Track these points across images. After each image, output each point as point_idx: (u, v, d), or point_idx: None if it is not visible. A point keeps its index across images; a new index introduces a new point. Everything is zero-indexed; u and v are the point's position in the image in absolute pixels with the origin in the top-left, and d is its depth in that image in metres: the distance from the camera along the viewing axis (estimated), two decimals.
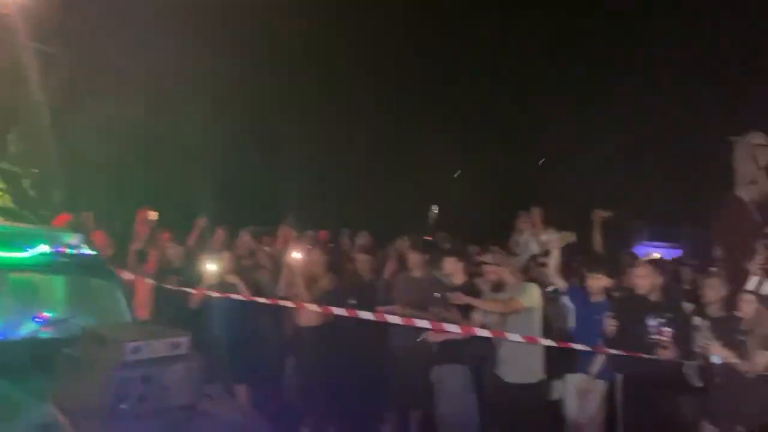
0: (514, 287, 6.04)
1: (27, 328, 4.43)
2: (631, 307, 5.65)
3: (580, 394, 6.03)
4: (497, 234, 8.68)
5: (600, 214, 7.50)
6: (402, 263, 7.44)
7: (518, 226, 8.24)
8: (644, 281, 5.65)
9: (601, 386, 5.98)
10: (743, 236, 6.89)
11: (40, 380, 3.74)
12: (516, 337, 5.73)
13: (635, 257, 7.56)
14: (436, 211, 9.07)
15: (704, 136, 10.39)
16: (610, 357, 5.73)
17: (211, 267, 7.11)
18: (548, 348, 6.06)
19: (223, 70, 12.66)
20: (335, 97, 14.35)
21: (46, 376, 3.73)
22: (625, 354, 5.43)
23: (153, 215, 8.95)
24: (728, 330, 5.35)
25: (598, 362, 5.88)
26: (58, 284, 4.87)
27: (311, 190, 12.86)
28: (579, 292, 6.31)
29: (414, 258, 7.00)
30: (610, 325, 5.60)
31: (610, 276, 6.24)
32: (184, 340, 3.92)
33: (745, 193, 7.39)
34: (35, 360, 3.93)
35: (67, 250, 4.88)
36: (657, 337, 5.37)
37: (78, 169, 10.67)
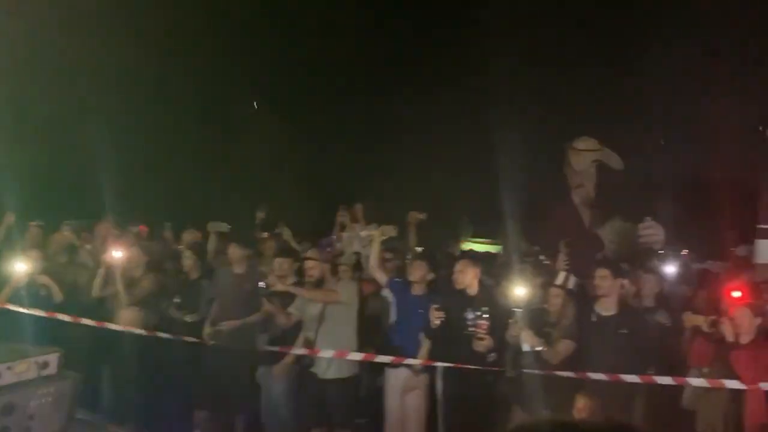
0: (333, 283, 6.09)
1: None
2: (451, 301, 5.86)
3: (403, 388, 6.15)
4: (323, 231, 8.71)
5: (415, 216, 7.71)
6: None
7: (340, 223, 8.33)
8: (463, 276, 5.87)
9: (423, 380, 6.14)
10: (556, 236, 7.38)
11: None
12: (328, 353, 5.92)
13: (456, 253, 7.85)
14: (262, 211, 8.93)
15: (536, 137, 10.86)
16: (432, 350, 5.92)
17: (18, 266, 6.58)
18: (368, 343, 6.20)
19: (44, 54, 11.78)
20: (167, 88, 13.84)
21: None
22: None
23: None
24: (538, 321, 5.74)
25: (422, 356, 6.00)
26: None
27: (136, 183, 12.22)
28: (400, 286, 6.38)
29: (235, 253, 6.78)
30: (436, 317, 5.76)
31: (432, 270, 6.40)
32: (53, 358, 3.43)
33: (575, 195, 7.94)
34: None
35: None
36: (474, 329, 5.62)
37: None
